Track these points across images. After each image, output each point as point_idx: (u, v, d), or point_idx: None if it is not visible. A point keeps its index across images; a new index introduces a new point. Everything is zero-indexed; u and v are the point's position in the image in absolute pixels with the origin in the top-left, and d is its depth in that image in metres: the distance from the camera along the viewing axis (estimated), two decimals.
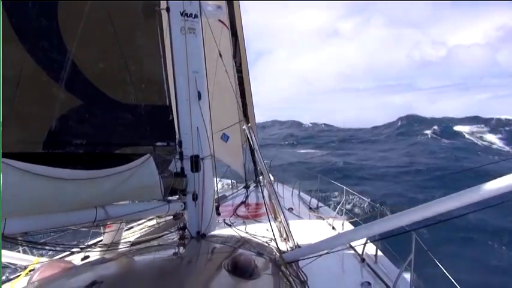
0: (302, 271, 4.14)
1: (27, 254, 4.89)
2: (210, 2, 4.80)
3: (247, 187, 10.45)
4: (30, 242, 3.33)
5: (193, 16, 4.42)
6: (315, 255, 4.03)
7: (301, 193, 10.71)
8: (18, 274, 4.20)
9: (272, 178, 9.02)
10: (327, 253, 4.08)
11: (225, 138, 9.67)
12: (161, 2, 4.29)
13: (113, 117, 3.92)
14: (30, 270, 4.03)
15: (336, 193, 10.62)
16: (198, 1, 4.46)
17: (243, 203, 9.12)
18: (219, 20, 7.24)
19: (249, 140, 5.41)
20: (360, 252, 5.36)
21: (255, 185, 11.11)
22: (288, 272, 3.78)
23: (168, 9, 4.30)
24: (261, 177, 10.59)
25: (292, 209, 8.90)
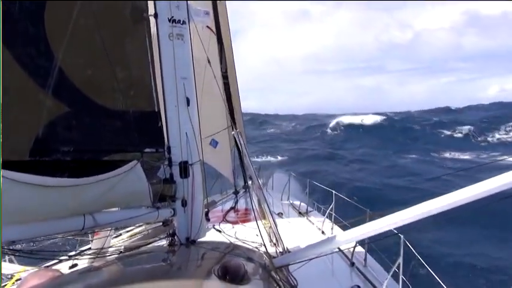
0: (292, 276, 4.14)
1: (13, 263, 4.82)
2: (198, 8, 4.80)
3: (236, 192, 10.43)
4: (17, 251, 3.28)
5: (181, 22, 4.42)
6: (304, 259, 4.04)
7: (291, 198, 10.73)
8: (5, 284, 4.14)
9: (261, 183, 9.02)
10: (317, 257, 4.10)
11: (213, 144, 9.64)
12: (149, 8, 4.29)
13: (101, 124, 3.90)
14: (16, 280, 3.97)
15: (325, 197, 10.70)
16: (186, 7, 4.47)
17: (232, 208, 9.11)
18: (207, 27, 7.25)
19: (237, 145, 5.41)
20: (350, 256, 5.38)
21: (244, 190, 11.10)
22: (278, 277, 3.78)
23: (156, 16, 4.30)
24: (250, 182, 10.59)
25: (281, 213, 8.91)
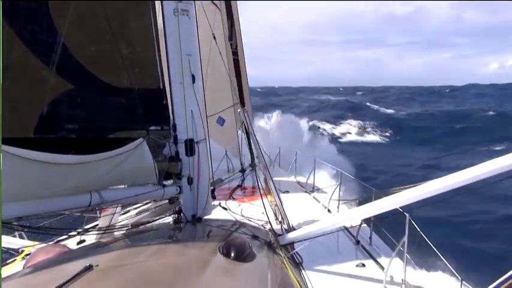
0: (297, 253, 4.17)
1: (23, 238, 4.90)
2: None
3: (243, 171, 10.43)
4: (25, 227, 3.32)
5: None
6: (309, 237, 4.05)
7: (297, 176, 10.72)
8: (14, 259, 4.21)
9: (268, 161, 9.01)
10: (322, 235, 4.11)
11: (220, 121, 9.60)
12: None
13: (105, 101, 3.88)
14: (26, 255, 4.03)
15: (332, 176, 10.66)
16: None
17: (239, 186, 9.12)
18: (213, 3, 7.13)
19: (244, 122, 5.38)
20: (355, 234, 5.39)
21: (251, 168, 11.09)
22: (282, 255, 3.81)
23: None
24: (256, 160, 10.57)
25: (288, 191, 8.92)
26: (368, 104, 59.49)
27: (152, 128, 4.15)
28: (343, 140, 36.15)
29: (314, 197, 8.44)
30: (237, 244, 3.24)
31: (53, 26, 3.53)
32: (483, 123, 37.99)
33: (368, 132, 38.39)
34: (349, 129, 39.56)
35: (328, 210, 7.11)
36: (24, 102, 3.33)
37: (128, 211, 6.37)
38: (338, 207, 7.08)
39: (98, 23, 3.81)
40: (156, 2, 4.23)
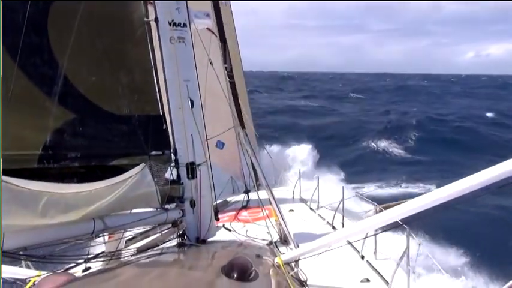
0: (302, 271, 4.17)
1: (30, 268, 4.92)
2: (198, 10, 4.84)
3: (247, 191, 10.47)
4: (30, 256, 3.36)
5: (182, 25, 4.46)
6: (313, 253, 4.06)
7: (302, 194, 10.74)
8: None
9: (271, 181, 9.07)
10: (326, 251, 4.11)
11: (219, 145, 9.68)
12: (149, 12, 4.34)
13: (107, 129, 3.97)
14: (32, 284, 4.05)
15: (336, 192, 10.70)
16: (186, 10, 4.50)
17: (244, 207, 9.15)
18: (207, 29, 7.29)
19: (245, 145, 5.46)
20: (359, 249, 5.39)
21: (254, 189, 11.14)
22: (286, 273, 3.81)
23: (156, 20, 4.35)
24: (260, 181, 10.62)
25: (292, 210, 8.93)
26: None
27: (153, 153, 4.22)
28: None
29: (319, 214, 8.44)
30: (239, 264, 3.26)
31: (53, 58, 3.66)
32: None
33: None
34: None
35: (333, 227, 7.11)
36: (28, 133, 3.43)
37: (133, 237, 6.40)
38: (342, 223, 7.08)
39: (97, 54, 3.94)
40: (152, 31, 4.37)
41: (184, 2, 4.54)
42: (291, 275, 3.84)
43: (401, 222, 3.68)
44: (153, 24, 4.38)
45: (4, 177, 2.99)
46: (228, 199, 10.64)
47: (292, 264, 4.20)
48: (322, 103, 54.82)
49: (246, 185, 11.07)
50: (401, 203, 3.68)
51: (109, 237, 4.68)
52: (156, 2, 4.34)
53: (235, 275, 3.10)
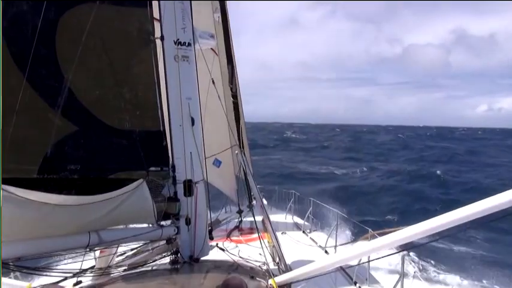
0: None
1: (18, 279, 4.84)
2: (203, 31, 4.93)
3: (240, 212, 10.43)
4: (23, 267, 3.33)
5: (186, 44, 4.55)
6: (306, 277, 4.05)
7: (294, 217, 10.72)
8: None
9: (265, 202, 9.02)
10: (319, 275, 4.10)
11: (217, 163, 9.67)
12: (155, 30, 4.42)
13: (107, 143, 4.00)
14: None
15: (329, 217, 10.70)
16: (191, 30, 4.59)
17: (236, 227, 9.10)
18: (211, 49, 7.41)
19: (242, 164, 5.48)
20: (352, 275, 5.37)
21: (248, 209, 11.09)
22: None
23: (162, 38, 4.43)
24: (254, 202, 10.59)
25: (285, 233, 8.90)
26: None
27: (152, 168, 4.24)
28: None
29: (311, 238, 8.42)
30: (233, 285, 3.24)
31: (59, 71, 3.71)
32: None
33: None
34: None
35: (326, 251, 7.09)
36: (30, 144, 3.45)
37: (125, 252, 6.33)
38: (335, 247, 7.07)
39: (102, 69, 4.00)
40: (157, 48, 4.44)
41: (190, 22, 4.63)
42: None
43: (396, 250, 3.69)
44: (157, 42, 4.46)
45: (3, 186, 3.00)
46: (220, 218, 10.59)
47: (285, 287, 4.18)
48: None
49: (239, 205, 11.04)
50: (397, 229, 3.70)
51: (101, 252, 4.64)
52: (162, 21, 4.43)
53: None
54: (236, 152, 5.93)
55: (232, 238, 7.95)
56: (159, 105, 4.38)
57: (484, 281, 10.84)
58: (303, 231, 9.10)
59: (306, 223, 9.48)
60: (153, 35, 4.34)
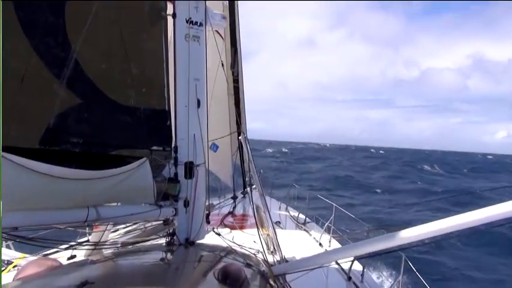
0: (289, 285, 4.14)
1: (10, 249, 4.81)
2: (215, 11, 4.83)
3: (234, 197, 10.43)
4: (19, 237, 3.28)
5: (198, 24, 4.46)
6: (302, 270, 4.04)
7: (289, 208, 10.72)
8: (2, 269, 4.13)
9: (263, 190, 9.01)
10: (315, 268, 4.09)
11: (214, 148, 9.65)
12: (168, 7, 4.32)
13: (111, 118, 3.91)
14: (14, 266, 3.96)
15: (324, 210, 10.70)
16: (204, 10, 4.50)
17: (230, 213, 9.09)
18: (216, 31, 7.34)
19: (243, 150, 5.43)
20: (347, 270, 5.38)
21: (242, 196, 11.10)
22: (275, 286, 3.78)
23: (174, 16, 4.34)
24: (249, 188, 10.60)
25: (279, 222, 8.90)
26: None
27: (154, 148, 4.17)
28: None
29: (306, 230, 8.42)
30: (233, 271, 3.22)
31: (67, 41, 3.60)
32: None
33: None
34: None
35: (320, 244, 7.09)
36: (33, 113, 3.36)
37: (118, 229, 6.31)
38: (330, 241, 7.06)
39: (111, 42, 3.89)
40: (168, 26, 4.34)
41: (204, 2, 4.54)
42: None
43: (396, 249, 3.67)
44: (169, 20, 4.36)
45: (4, 153, 2.93)
46: (214, 203, 10.60)
47: (280, 277, 4.17)
48: None
49: (234, 191, 11.05)
50: (395, 228, 3.68)
51: (94, 227, 4.60)
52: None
53: (228, 281, 3.06)
54: (239, 137, 5.87)
55: (226, 223, 7.94)
56: (166, 84, 4.31)
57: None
58: (298, 223, 9.10)
59: (301, 215, 9.47)
60: (165, 12, 4.24)
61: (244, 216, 9.16)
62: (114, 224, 5.16)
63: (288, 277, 4.31)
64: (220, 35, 9.03)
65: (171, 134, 4.36)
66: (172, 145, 4.37)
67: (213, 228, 6.30)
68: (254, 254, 4.92)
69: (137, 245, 4.50)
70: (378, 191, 36.48)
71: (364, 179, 44.27)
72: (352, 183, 40.09)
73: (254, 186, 8.77)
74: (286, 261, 4.61)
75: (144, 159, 3.85)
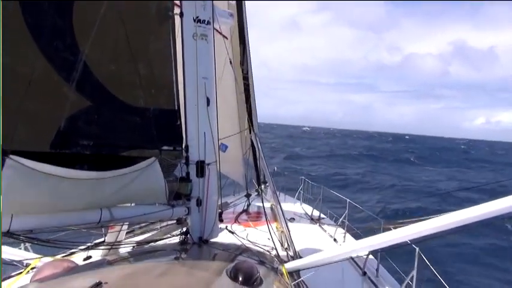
0: (303, 282, 4.12)
1: (28, 251, 4.88)
2: (223, 9, 4.82)
3: (248, 195, 10.42)
4: (35, 239, 3.32)
5: (205, 22, 4.45)
6: (316, 265, 4.01)
7: (303, 204, 10.68)
8: (20, 271, 4.19)
9: (275, 187, 9.00)
10: (329, 264, 4.06)
11: (223, 147, 9.66)
12: (175, 7, 4.32)
13: (121, 120, 3.93)
14: (31, 268, 4.01)
15: (338, 204, 10.63)
16: (211, 8, 4.49)
17: (244, 211, 9.10)
18: (220, 33, 7.34)
19: (254, 147, 5.42)
20: (361, 265, 5.33)
21: (256, 193, 11.10)
22: (289, 282, 3.76)
23: (181, 15, 4.33)
24: (262, 186, 10.59)
25: (293, 219, 8.87)
26: None
27: (165, 147, 4.18)
28: None
29: (320, 226, 8.38)
30: (245, 268, 3.21)
31: (75, 43, 3.62)
32: None
33: None
34: None
35: (334, 240, 7.05)
36: (44, 117, 3.38)
37: (134, 230, 6.36)
38: (344, 236, 7.02)
39: (118, 43, 3.90)
40: (176, 25, 4.34)
41: (211, 1, 4.53)
42: (293, 285, 3.78)
43: (410, 242, 3.62)
44: (176, 19, 4.36)
45: (15, 157, 2.96)
46: (228, 201, 10.61)
47: (294, 274, 4.15)
48: None
49: (247, 189, 11.04)
50: (410, 221, 3.63)
51: (110, 228, 4.64)
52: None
53: (241, 279, 3.05)
54: (250, 134, 5.85)
55: (240, 221, 7.95)
56: (174, 83, 4.31)
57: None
58: (312, 219, 9.06)
59: (315, 210, 9.43)
60: (172, 11, 4.24)
61: (258, 213, 9.15)
62: (129, 225, 5.20)
63: (302, 273, 4.29)
64: (224, 36, 9.02)
65: (182, 133, 4.37)
66: (183, 144, 4.37)
67: (226, 227, 6.30)
68: (268, 251, 4.91)
69: (152, 244, 4.52)
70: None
71: None
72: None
73: (267, 183, 8.75)
74: (300, 257, 4.59)
75: (153, 158, 3.86)
